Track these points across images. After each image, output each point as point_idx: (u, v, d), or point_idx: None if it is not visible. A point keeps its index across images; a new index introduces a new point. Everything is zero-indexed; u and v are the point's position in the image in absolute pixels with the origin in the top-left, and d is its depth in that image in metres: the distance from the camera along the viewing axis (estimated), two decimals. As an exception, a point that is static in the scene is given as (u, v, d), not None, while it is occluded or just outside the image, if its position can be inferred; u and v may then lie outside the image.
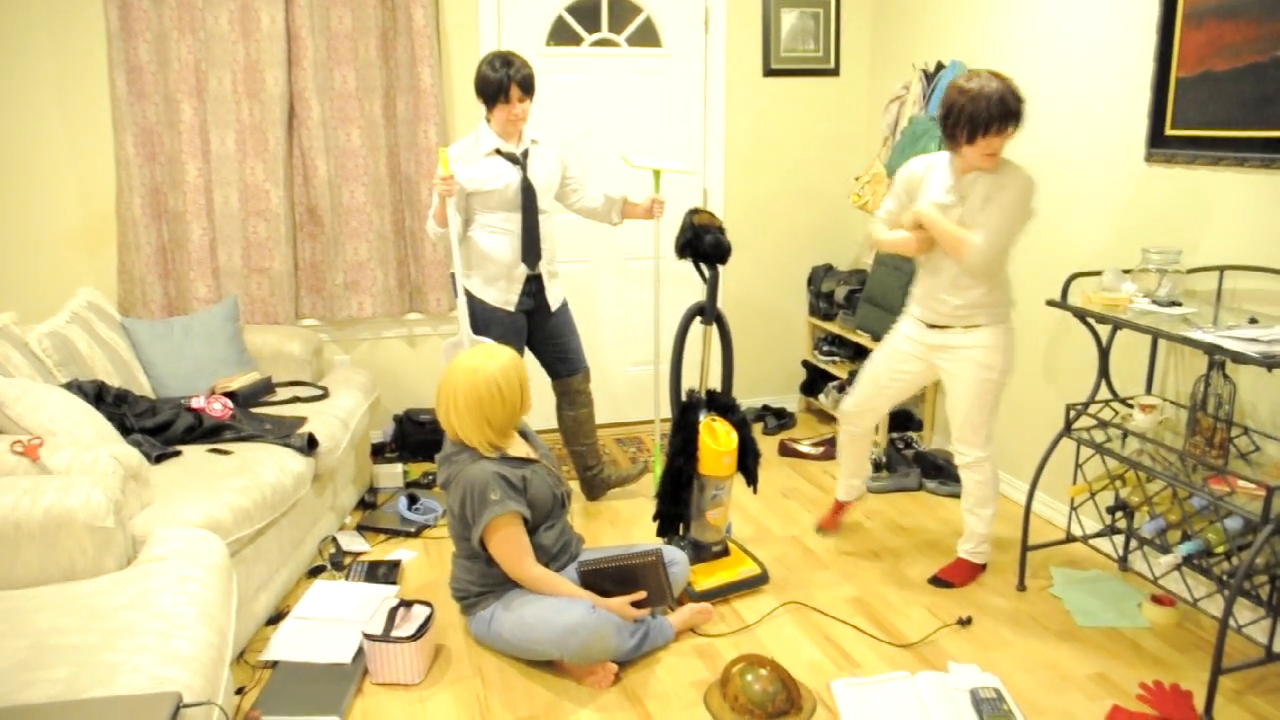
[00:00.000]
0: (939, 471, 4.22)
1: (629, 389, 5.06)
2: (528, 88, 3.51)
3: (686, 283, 4.97)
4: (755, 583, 3.36)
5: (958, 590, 3.35)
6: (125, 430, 3.16)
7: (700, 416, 3.27)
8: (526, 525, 2.85)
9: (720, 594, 3.29)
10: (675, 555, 3.13)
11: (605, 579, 2.91)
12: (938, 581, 3.36)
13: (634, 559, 2.91)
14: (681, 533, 3.42)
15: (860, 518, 3.94)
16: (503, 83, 3.45)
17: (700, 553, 3.37)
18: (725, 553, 3.43)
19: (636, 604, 2.89)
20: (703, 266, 3.40)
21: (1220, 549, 2.74)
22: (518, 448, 2.95)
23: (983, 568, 3.43)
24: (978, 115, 2.87)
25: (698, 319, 3.40)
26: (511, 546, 2.81)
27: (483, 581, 2.91)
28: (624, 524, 3.90)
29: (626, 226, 4.69)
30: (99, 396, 3.23)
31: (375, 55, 4.26)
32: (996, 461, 3.32)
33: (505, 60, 3.46)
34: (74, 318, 3.52)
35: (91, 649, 2.08)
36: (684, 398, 3.35)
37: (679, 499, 3.32)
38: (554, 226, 3.81)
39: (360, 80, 4.27)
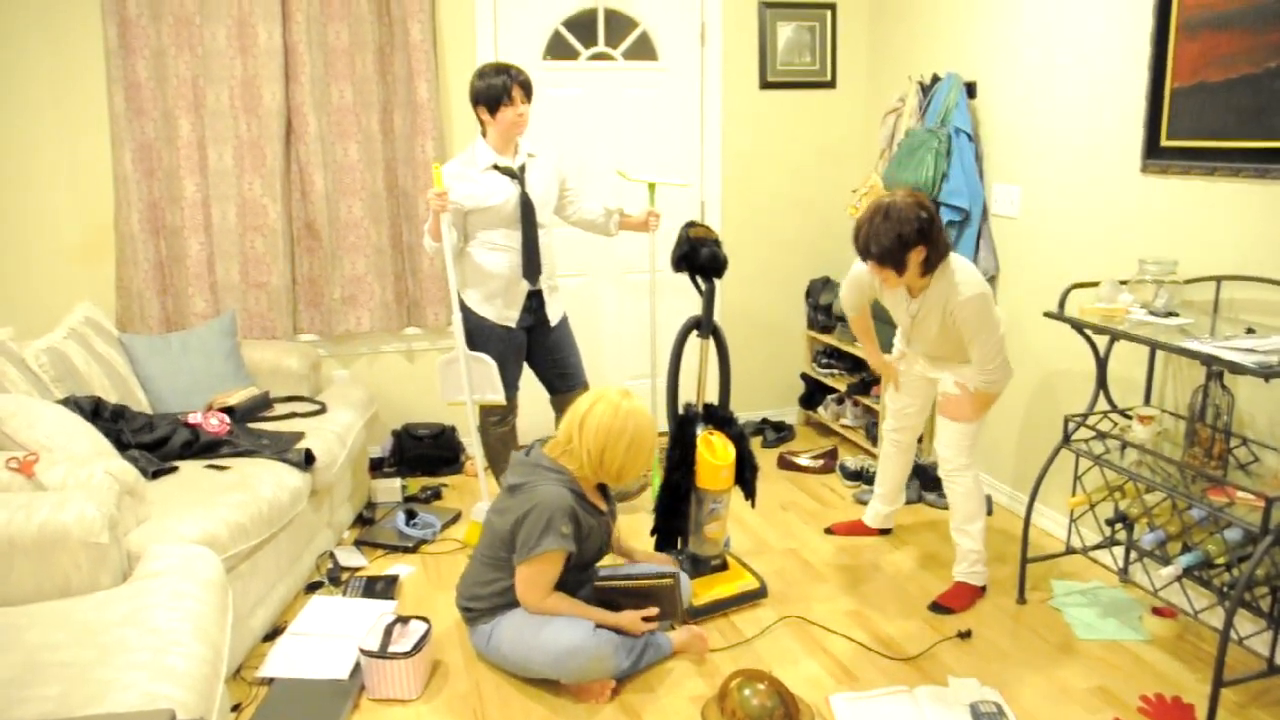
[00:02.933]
0: (938, 484, 4.21)
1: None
2: (529, 91, 3.53)
3: (684, 295, 4.96)
4: (753, 596, 3.35)
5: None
6: (122, 446, 3.15)
7: (698, 430, 3.26)
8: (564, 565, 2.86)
9: (718, 608, 3.27)
10: (675, 572, 3.12)
11: (620, 595, 2.91)
12: (938, 608, 3.30)
13: (650, 579, 2.91)
14: (680, 547, 3.41)
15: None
16: (506, 85, 3.46)
17: (698, 567, 3.36)
18: (724, 567, 3.41)
19: (647, 620, 2.89)
20: (699, 280, 3.40)
21: (1220, 560, 2.73)
22: (596, 497, 2.96)
23: (982, 590, 3.38)
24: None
25: (694, 332, 3.40)
26: (544, 578, 2.80)
27: (495, 596, 2.89)
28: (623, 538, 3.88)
29: (624, 240, 4.70)
30: (95, 412, 3.23)
31: (372, 70, 4.27)
32: (979, 476, 3.32)
33: (501, 68, 3.48)
34: (71, 333, 3.52)
35: (84, 666, 2.06)
36: (681, 411, 3.34)
37: (677, 513, 3.31)
38: (553, 240, 3.80)
39: (358, 95, 4.28)
